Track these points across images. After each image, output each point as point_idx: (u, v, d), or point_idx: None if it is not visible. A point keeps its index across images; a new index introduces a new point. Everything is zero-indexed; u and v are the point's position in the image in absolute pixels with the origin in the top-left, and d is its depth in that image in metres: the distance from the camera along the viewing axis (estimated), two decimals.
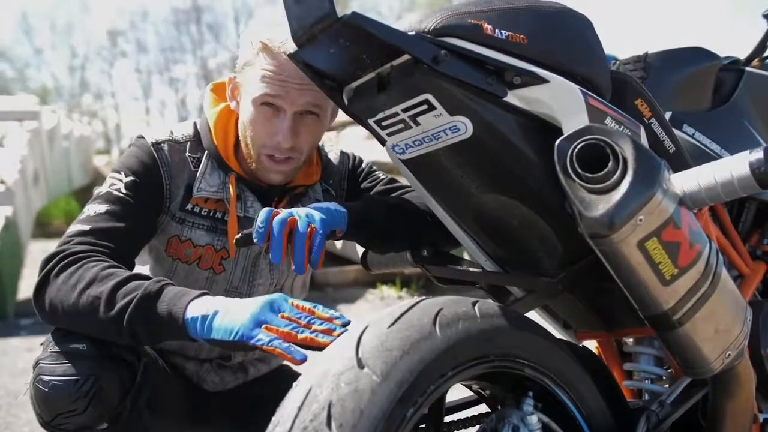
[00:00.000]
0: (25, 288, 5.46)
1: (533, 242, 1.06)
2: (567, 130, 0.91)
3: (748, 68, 1.49)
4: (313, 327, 0.97)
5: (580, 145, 0.87)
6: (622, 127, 1.01)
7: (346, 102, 1.03)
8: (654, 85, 1.28)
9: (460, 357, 0.86)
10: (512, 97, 0.93)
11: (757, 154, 0.87)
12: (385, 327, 0.83)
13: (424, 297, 0.91)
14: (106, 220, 1.21)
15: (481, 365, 0.89)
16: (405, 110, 0.95)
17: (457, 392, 1.12)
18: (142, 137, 1.33)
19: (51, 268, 1.14)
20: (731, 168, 0.89)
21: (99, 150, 20.07)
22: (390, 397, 0.77)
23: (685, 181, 0.90)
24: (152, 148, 1.30)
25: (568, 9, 1.01)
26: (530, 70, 0.92)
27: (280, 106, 1.24)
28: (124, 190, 1.25)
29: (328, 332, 0.96)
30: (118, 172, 1.28)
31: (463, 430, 1.15)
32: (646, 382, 1.24)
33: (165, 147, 1.31)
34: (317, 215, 1.12)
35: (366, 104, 0.99)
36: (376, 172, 1.51)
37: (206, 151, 1.34)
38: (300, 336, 0.96)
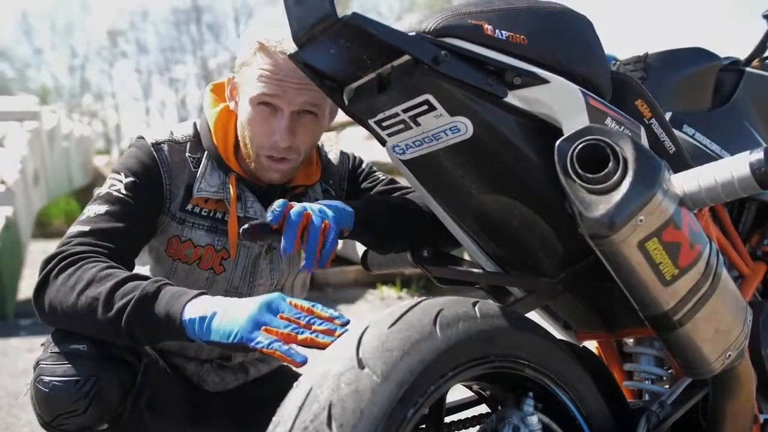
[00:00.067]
0: (26, 288, 5.46)
1: (533, 242, 1.06)
2: (567, 131, 0.91)
3: (748, 69, 1.49)
4: (314, 327, 0.97)
5: (581, 146, 0.87)
6: (623, 127, 1.01)
7: (346, 102, 1.03)
8: (654, 85, 1.28)
9: (461, 357, 0.86)
10: (512, 98, 0.93)
11: (758, 155, 0.87)
12: (385, 327, 0.83)
13: (424, 297, 0.91)
14: (105, 221, 1.21)
15: (482, 366, 0.89)
16: (405, 111, 0.95)
17: (458, 393, 1.12)
18: (142, 138, 1.33)
19: (50, 269, 1.14)
20: (731, 168, 0.89)
21: (99, 150, 20.08)
22: (390, 397, 0.77)
23: (685, 182, 0.90)
24: (152, 149, 1.30)
25: (569, 9, 1.01)
26: (530, 70, 0.92)
27: (278, 106, 1.24)
28: (124, 191, 1.25)
29: (328, 332, 0.96)
30: (118, 173, 1.28)
31: (463, 430, 1.15)
32: (647, 382, 1.24)
33: (165, 147, 1.31)
34: (330, 212, 1.12)
35: (366, 105, 0.99)
36: (376, 173, 1.51)
37: (206, 152, 1.34)
38: (300, 337, 0.95)
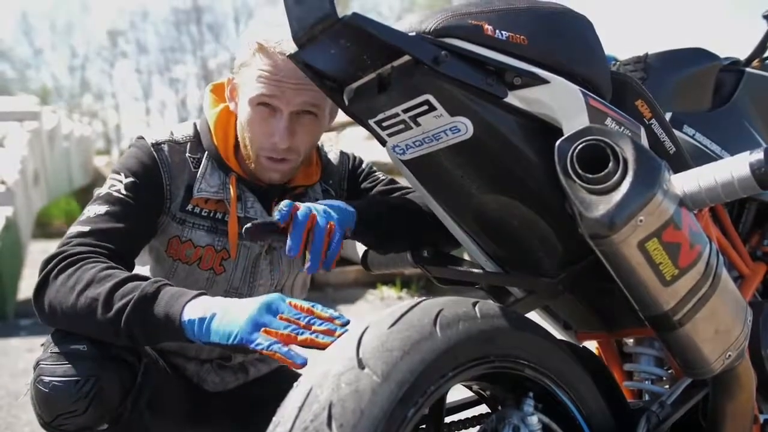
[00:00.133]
0: (26, 288, 5.47)
1: (533, 243, 1.06)
2: (567, 131, 0.91)
3: (748, 69, 1.49)
4: (313, 327, 0.97)
5: (581, 146, 0.87)
6: (623, 127, 1.01)
7: (346, 102, 1.03)
8: (654, 85, 1.28)
9: (461, 357, 0.86)
10: (513, 98, 0.93)
11: (758, 155, 0.87)
12: (385, 327, 0.83)
13: (424, 297, 0.91)
14: (105, 221, 1.21)
15: (482, 366, 0.89)
16: (405, 111, 0.95)
17: (458, 393, 1.12)
18: (142, 138, 1.33)
19: (50, 269, 1.14)
20: (731, 169, 0.89)
21: (99, 150, 20.08)
22: (390, 397, 0.77)
23: (685, 182, 0.91)
24: (152, 149, 1.30)
25: (569, 10, 1.01)
26: (530, 70, 0.93)
27: (277, 106, 1.24)
28: (124, 191, 1.25)
29: (328, 333, 0.96)
30: (118, 173, 1.28)
31: (463, 430, 1.15)
32: (647, 382, 1.24)
33: (165, 148, 1.31)
34: (334, 213, 1.12)
35: (366, 105, 0.99)
36: (376, 173, 1.51)
37: (206, 152, 1.34)
38: (300, 338, 0.95)
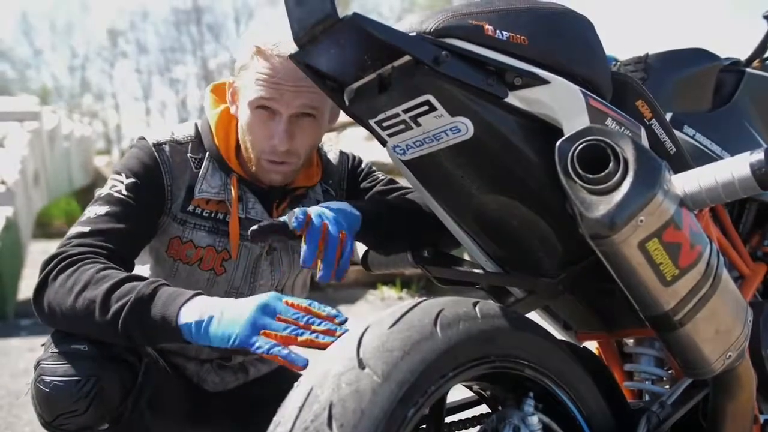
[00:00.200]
0: (26, 288, 5.47)
1: (534, 243, 1.06)
2: (568, 131, 0.91)
3: (748, 69, 1.49)
4: (313, 327, 0.97)
5: (581, 146, 0.87)
6: (623, 128, 1.01)
7: (347, 103, 1.03)
8: (654, 86, 1.28)
9: (461, 357, 0.86)
10: (513, 98, 0.93)
11: (758, 155, 0.87)
12: (386, 328, 0.83)
13: (424, 298, 0.91)
14: (106, 222, 1.21)
15: (482, 366, 0.89)
16: (406, 111, 0.95)
17: (458, 393, 1.12)
18: (144, 138, 1.33)
19: (49, 270, 1.14)
20: (732, 169, 0.89)
21: (99, 150, 20.10)
22: (391, 397, 0.77)
23: (686, 182, 0.91)
24: (154, 149, 1.30)
25: (569, 10, 1.01)
26: (531, 71, 0.93)
27: (276, 109, 1.24)
28: (125, 192, 1.25)
29: (328, 333, 0.96)
30: (119, 174, 1.28)
31: (463, 430, 1.15)
32: (647, 383, 1.24)
33: (167, 148, 1.31)
34: (344, 221, 1.12)
35: (367, 105, 0.99)
36: (376, 173, 1.51)
37: (207, 152, 1.34)
38: (300, 338, 0.95)
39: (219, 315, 1.01)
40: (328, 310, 0.99)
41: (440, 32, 0.89)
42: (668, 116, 1.28)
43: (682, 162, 1.12)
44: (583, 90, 0.96)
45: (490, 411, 1.11)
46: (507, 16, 0.93)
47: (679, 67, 1.37)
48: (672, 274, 0.87)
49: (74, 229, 1.21)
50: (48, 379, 1.08)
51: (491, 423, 1.02)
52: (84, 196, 11.10)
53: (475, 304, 0.91)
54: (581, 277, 1.05)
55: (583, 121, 0.94)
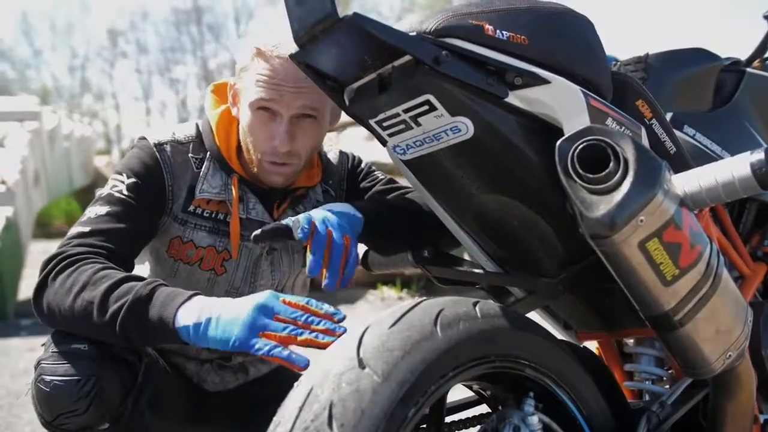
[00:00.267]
0: (26, 288, 5.47)
1: (534, 243, 1.06)
2: (568, 131, 0.91)
3: (748, 69, 1.49)
4: (312, 327, 0.97)
5: (581, 146, 0.87)
6: (623, 127, 1.01)
7: (347, 103, 1.03)
8: (655, 85, 1.28)
9: (461, 357, 0.86)
10: (513, 98, 0.93)
11: (758, 155, 0.88)
12: (386, 327, 0.83)
13: (424, 297, 0.91)
14: (106, 222, 1.21)
15: (482, 366, 0.89)
16: (406, 111, 0.95)
17: (458, 392, 1.12)
18: (145, 138, 1.33)
19: (49, 270, 1.14)
20: (732, 169, 0.89)
21: (100, 150, 20.11)
22: (391, 397, 0.77)
23: (686, 182, 0.91)
24: (155, 150, 1.30)
25: (569, 10, 1.01)
26: (531, 70, 0.93)
27: (276, 111, 1.24)
28: (125, 192, 1.25)
29: (328, 332, 0.96)
30: (120, 174, 1.28)
31: (464, 430, 1.15)
32: (647, 382, 1.24)
33: (168, 148, 1.31)
34: (348, 226, 1.13)
35: (367, 105, 0.99)
36: (375, 172, 1.51)
37: (208, 153, 1.34)
38: (300, 338, 0.95)
39: (216, 317, 1.01)
40: (326, 307, 0.99)
41: (440, 32, 0.89)
42: (668, 116, 1.28)
43: (682, 162, 1.12)
44: (584, 90, 0.96)
45: (490, 411, 1.11)
46: (507, 16, 0.93)
47: (679, 67, 1.37)
48: (672, 274, 0.87)
49: (74, 229, 1.21)
50: (48, 378, 1.08)
51: (491, 423, 1.02)
52: (84, 196, 11.10)
53: (475, 304, 0.91)
54: (581, 277, 1.05)
55: (583, 121, 0.94)
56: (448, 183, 1.03)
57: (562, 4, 1.01)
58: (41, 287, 1.14)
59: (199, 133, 1.36)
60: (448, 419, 1.09)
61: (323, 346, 0.93)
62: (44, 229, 11.55)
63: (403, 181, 1.36)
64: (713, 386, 1.08)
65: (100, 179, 11.46)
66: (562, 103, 0.94)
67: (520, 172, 0.97)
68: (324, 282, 1.09)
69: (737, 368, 1.01)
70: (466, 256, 1.26)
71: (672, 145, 1.12)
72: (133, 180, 1.26)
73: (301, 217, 1.10)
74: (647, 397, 1.23)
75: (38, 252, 6.01)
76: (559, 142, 0.89)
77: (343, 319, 0.98)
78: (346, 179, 1.47)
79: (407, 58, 0.91)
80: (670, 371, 1.26)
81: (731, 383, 1.05)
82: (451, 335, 0.85)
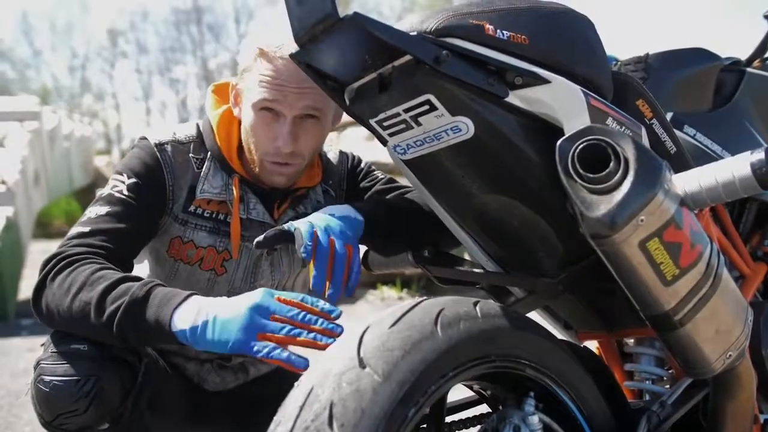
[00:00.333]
0: (26, 288, 5.47)
1: (534, 243, 1.06)
2: (568, 131, 0.91)
3: (749, 69, 1.49)
4: (311, 327, 0.97)
5: (582, 146, 0.87)
6: (624, 127, 1.01)
7: (347, 102, 1.03)
8: (655, 85, 1.28)
9: (462, 357, 0.86)
10: (513, 98, 0.93)
11: (759, 155, 0.88)
12: (386, 327, 0.83)
13: (425, 297, 0.91)
14: (106, 222, 1.21)
15: (483, 365, 0.89)
16: (406, 110, 0.95)
17: (459, 392, 1.12)
18: (146, 138, 1.33)
19: (48, 271, 1.14)
20: (733, 168, 0.89)
21: (100, 150, 20.11)
22: (391, 396, 0.77)
23: (686, 182, 0.91)
24: (155, 149, 1.30)
25: (570, 10, 1.01)
26: (532, 70, 0.93)
27: (279, 111, 1.24)
28: (126, 192, 1.25)
29: (327, 333, 0.96)
30: (121, 174, 1.27)
31: (464, 430, 1.15)
32: (647, 382, 1.24)
33: (168, 148, 1.31)
34: (350, 232, 1.12)
35: (367, 104, 0.99)
36: (375, 172, 1.51)
37: (209, 153, 1.34)
38: (299, 339, 0.95)
39: (213, 319, 1.01)
40: (321, 304, 0.99)
41: (441, 32, 0.89)
42: (669, 116, 1.28)
43: (682, 162, 1.12)
44: (584, 90, 0.96)
45: (490, 410, 1.11)
46: (508, 16, 0.93)
47: (679, 67, 1.37)
48: (672, 274, 0.87)
49: (75, 229, 1.21)
50: (48, 378, 1.08)
51: (492, 422, 1.02)
52: (84, 196, 11.10)
53: (475, 304, 0.91)
54: (581, 277, 1.05)
55: (583, 121, 0.94)
56: (449, 183, 1.03)
57: (562, 4, 1.01)
58: (40, 287, 1.14)
59: (199, 133, 1.36)
60: (448, 419, 1.08)
61: (322, 348, 0.93)
62: (44, 229, 11.54)
63: (403, 181, 1.36)
64: (713, 386, 1.08)
65: (100, 179, 11.46)
66: (563, 102, 0.94)
67: (520, 172, 0.97)
68: (327, 292, 1.08)
69: (737, 368, 1.01)
70: (467, 256, 1.26)
71: (672, 144, 1.12)
72: (133, 180, 1.26)
73: (303, 227, 1.08)
74: (647, 397, 1.23)
75: (38, 252, 6.01)
76: (559, 142, 0.89)
77: (339, 315, 0.98)
78: (346, 179, 1.47)
79: (408, 57, 0.91)
80: (670, 371, 1.26)
81: (731, 383, 1.05)
82: (451, 335, 0.85)
